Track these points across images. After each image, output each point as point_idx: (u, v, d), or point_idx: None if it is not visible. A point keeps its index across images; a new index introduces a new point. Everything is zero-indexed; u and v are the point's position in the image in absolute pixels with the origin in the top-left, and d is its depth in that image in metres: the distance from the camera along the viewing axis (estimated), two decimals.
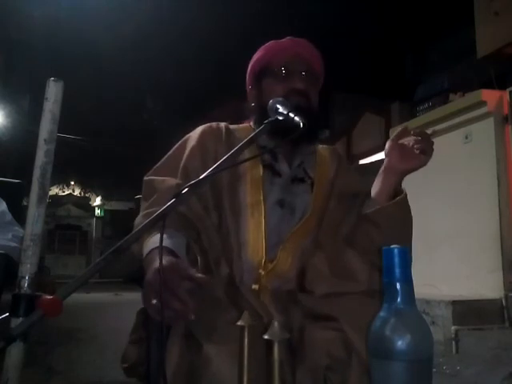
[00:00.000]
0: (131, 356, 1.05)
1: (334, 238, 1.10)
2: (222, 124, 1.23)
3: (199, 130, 1.20)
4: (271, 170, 1.16)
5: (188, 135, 1.20)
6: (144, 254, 0.94)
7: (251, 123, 1.25)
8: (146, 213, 1.02)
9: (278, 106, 1.01)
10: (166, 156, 1.18)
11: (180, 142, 1.19)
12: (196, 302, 0.77)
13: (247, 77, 1.26)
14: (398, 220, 1.05)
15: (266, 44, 1.25)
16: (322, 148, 1.30)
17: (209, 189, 1.09)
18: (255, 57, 1.25)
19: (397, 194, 1.08)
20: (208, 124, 1.22)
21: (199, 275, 0.82)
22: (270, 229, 1.09)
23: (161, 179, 1.09)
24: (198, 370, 0.85)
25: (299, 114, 0.97)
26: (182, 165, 1.11)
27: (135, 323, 1.09)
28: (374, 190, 1.10)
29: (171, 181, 1.07)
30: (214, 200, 1.10)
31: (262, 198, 1.11)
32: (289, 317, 0.97)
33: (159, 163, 1.16)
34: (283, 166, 1.18)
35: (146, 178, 1.13)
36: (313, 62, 1.21)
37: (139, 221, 1.02)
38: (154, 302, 0.78)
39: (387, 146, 1.09)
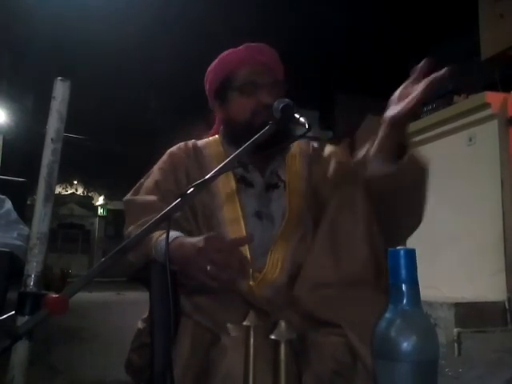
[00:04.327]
0: (135, 362, 1.07)
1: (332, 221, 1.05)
2: (190, 142, 1.25)
3: (168, 152, 1.23)
4: (243, 181, 1.15)
5: (160, 159, 1.23)
6: (157, 249, 0.97)
7: (217, 136, 1.26)
8: (139, 223, 1.04)
9: (284, 106, 1.01)
10: (141, 180, 1.22)
11: (154, 166, 1.23)
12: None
13: (208, 86, 1.23)
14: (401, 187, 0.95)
15: (225, 53, 1.20)
16: (292, 146, 1.25)
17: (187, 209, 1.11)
18: (216, 67, 1.20)
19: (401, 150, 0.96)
20: (177, 145, 1.25)
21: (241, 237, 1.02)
22: (253, 241, 1.07)
23: (141, 197, 1.14)
24: (211, 364, 0.86)
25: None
26: (156, 185, 1.15)
27: (137, 332, 1.10)
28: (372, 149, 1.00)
29: (151, 197, 1.12)
30: (191, 217, 1.12)
31: (240, 212, 1.11)
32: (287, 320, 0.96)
33: (136, 185, 1.21)
34: (255, 176, 1.17)
35: (125, 198, 1.18)
36: (277, 70, 1.19)
37: (134, 232, 1.03)
38: (209, 267, 0.85)
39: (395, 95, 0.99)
